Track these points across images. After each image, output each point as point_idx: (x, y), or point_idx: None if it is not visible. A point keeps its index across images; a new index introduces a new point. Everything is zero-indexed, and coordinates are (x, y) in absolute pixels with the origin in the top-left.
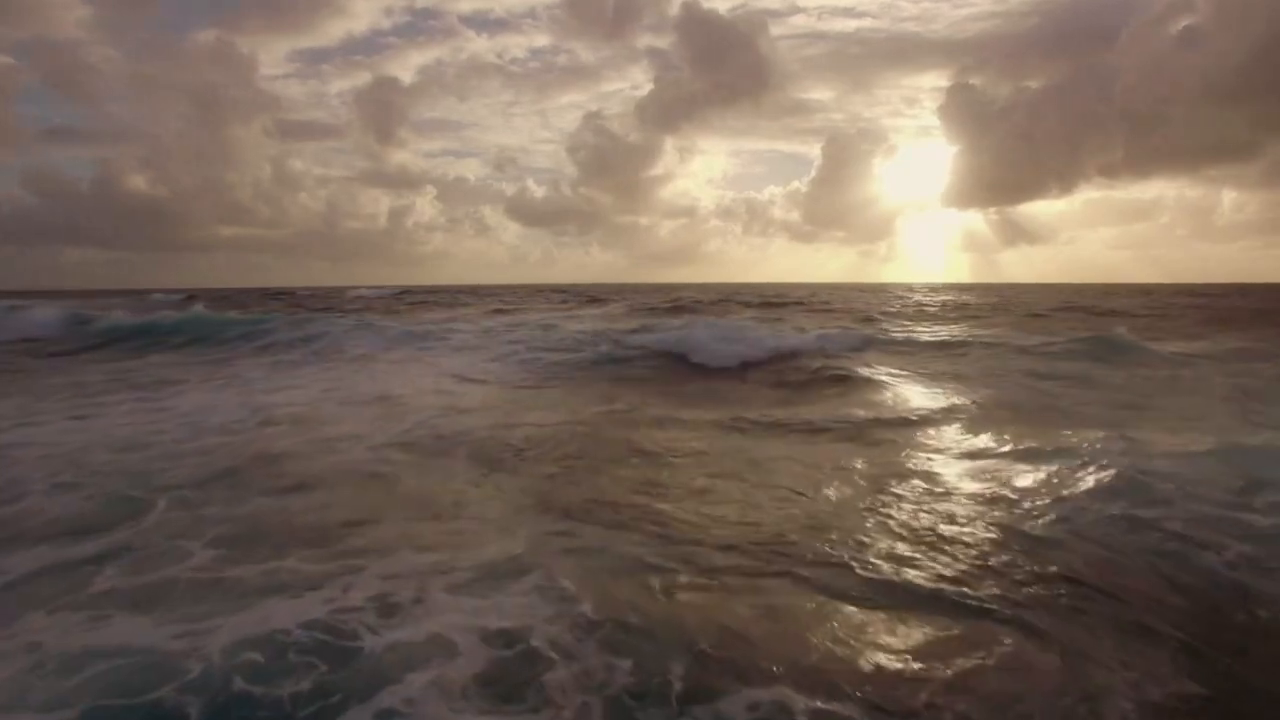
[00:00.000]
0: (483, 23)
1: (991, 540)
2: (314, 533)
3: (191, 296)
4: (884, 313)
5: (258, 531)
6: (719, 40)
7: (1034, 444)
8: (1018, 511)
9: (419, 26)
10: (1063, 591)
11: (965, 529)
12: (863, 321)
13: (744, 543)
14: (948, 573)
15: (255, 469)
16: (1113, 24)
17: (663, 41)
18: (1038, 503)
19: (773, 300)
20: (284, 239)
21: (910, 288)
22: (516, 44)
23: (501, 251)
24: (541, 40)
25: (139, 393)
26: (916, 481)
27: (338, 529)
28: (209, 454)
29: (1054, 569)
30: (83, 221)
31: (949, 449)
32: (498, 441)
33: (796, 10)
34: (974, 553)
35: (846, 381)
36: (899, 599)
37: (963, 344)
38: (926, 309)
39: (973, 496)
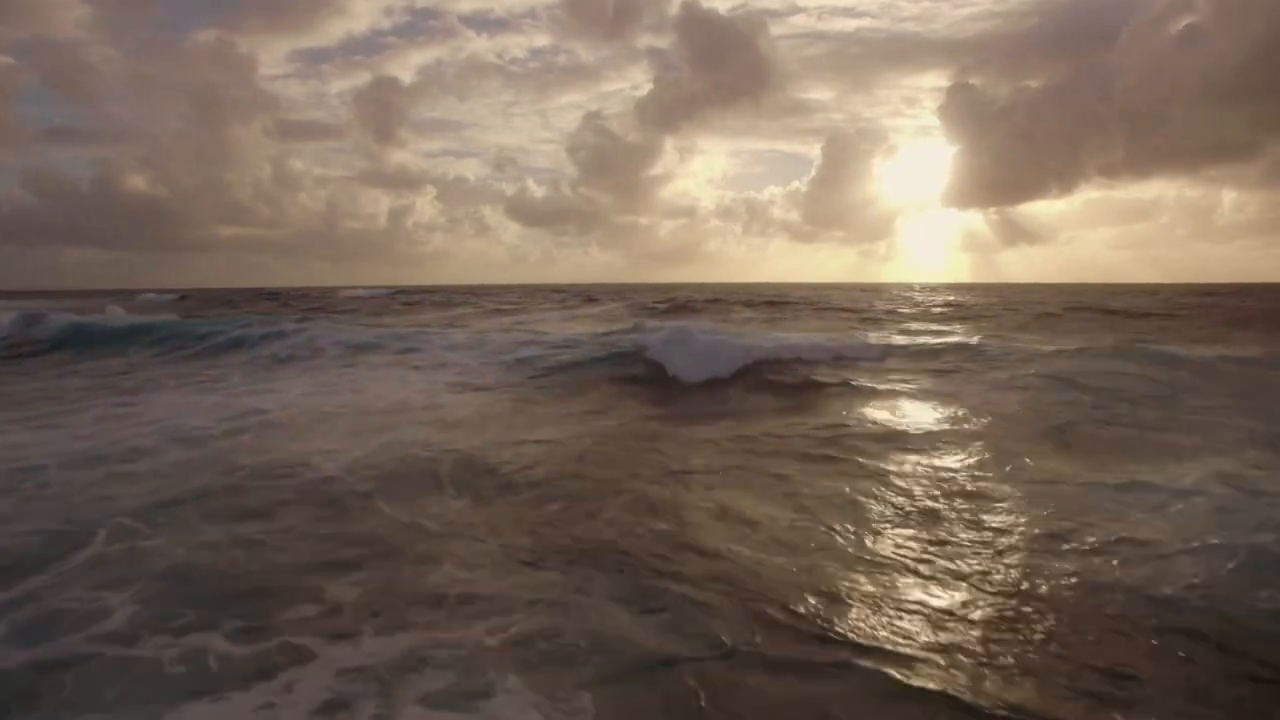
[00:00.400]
0: (483, 23)
1: (1106, 614)
2: (260, 587)
3: (184, 296)
4: (891, 314)
5: (196, 581)
6: (719, 40)
7: (1104, 475)
8: (1118, 564)
9: (419, 26)
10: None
11: (1069, 596)
12: (868, 322)
13: (790, 614)
14: (1078, 677)
15: (212, 492)
16: (1113, 24)
17: (662, 41)
18: (1140, 555)
19: (774, 300)
20: (284, 239)
21: (910, 287)
22: (516, 44)
23: (501, 251)
24: (541, 40)
25: (108, 399)
26: (980, 519)
27: (290, 583)
28: (166, 474)
29: (1234, 664)
30: (82, 221)
31: (1005, 479)
32: (481, 464)
33: (796, 10)
34: (1097, 637)
35: (867, 394)
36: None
37: (984, 349)
38: (934, 310)
39: (1054, 540)
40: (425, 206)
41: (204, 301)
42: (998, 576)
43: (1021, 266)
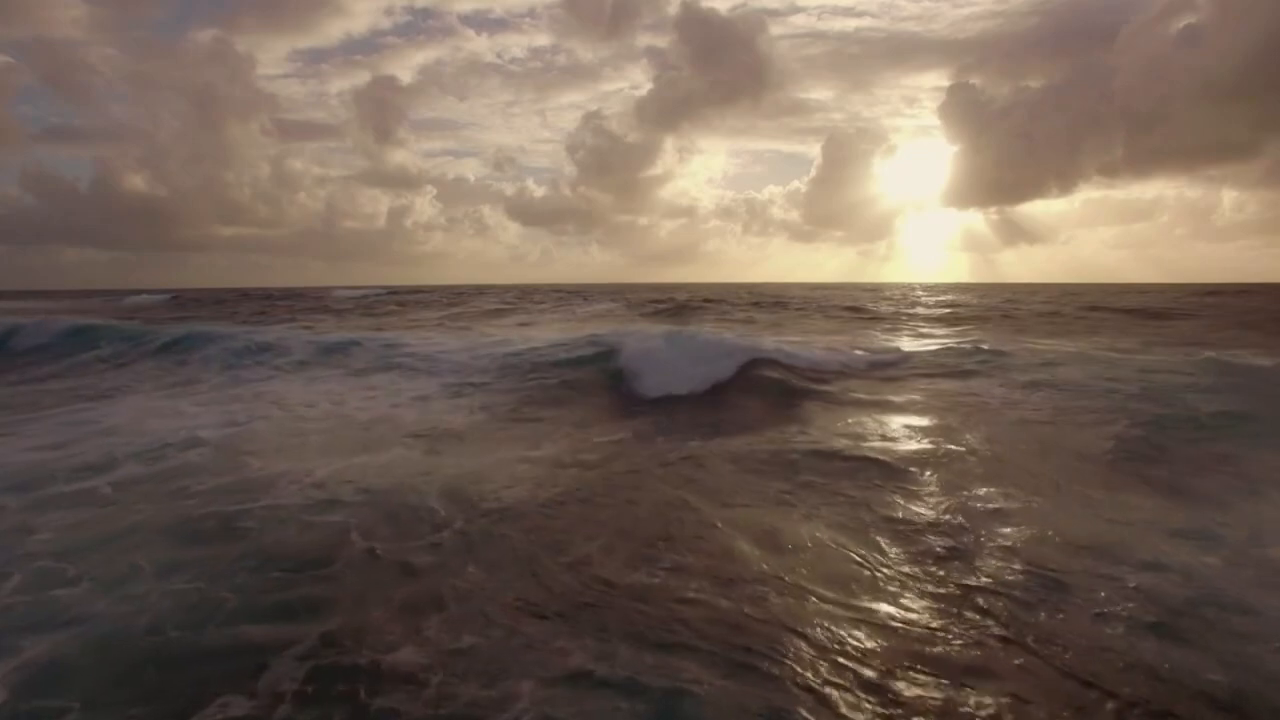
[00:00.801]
0: (482, 22)
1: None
2: (182, 661)
3: (176, 296)
4: (898, 315)
5: (103, 651)
6: (718, 40)
7: (1169, 512)
8: (1229, 645)
9: (418, 26)
10: None
11: (1190, 698)
12: (874, 323)
13: (831, 713)
14: None
15: (155, 524)
16: (1112, 24)
17: (662, 41)
18: (1247, 629)
19: (777, 301)
20: (282, 238)
21: (911, 288)
22: (516, 44)
23: (501, 251)
24: (541, 40)
25: (65, 408)
26: (1033, 569)
27: (222, 653)
28: (109, 500)
29: None
30: (81, 222)
31: (1054, 515)
32: (467, 490)
33: (796, 10)
34: None
35: (884, 407)
36: None
37: (1005, 354)
38: (941, 311)
39: (1131, 603)
40: (424, 206)
41: (195, 302)
42: (1078, 653)
43: (1021, 266)
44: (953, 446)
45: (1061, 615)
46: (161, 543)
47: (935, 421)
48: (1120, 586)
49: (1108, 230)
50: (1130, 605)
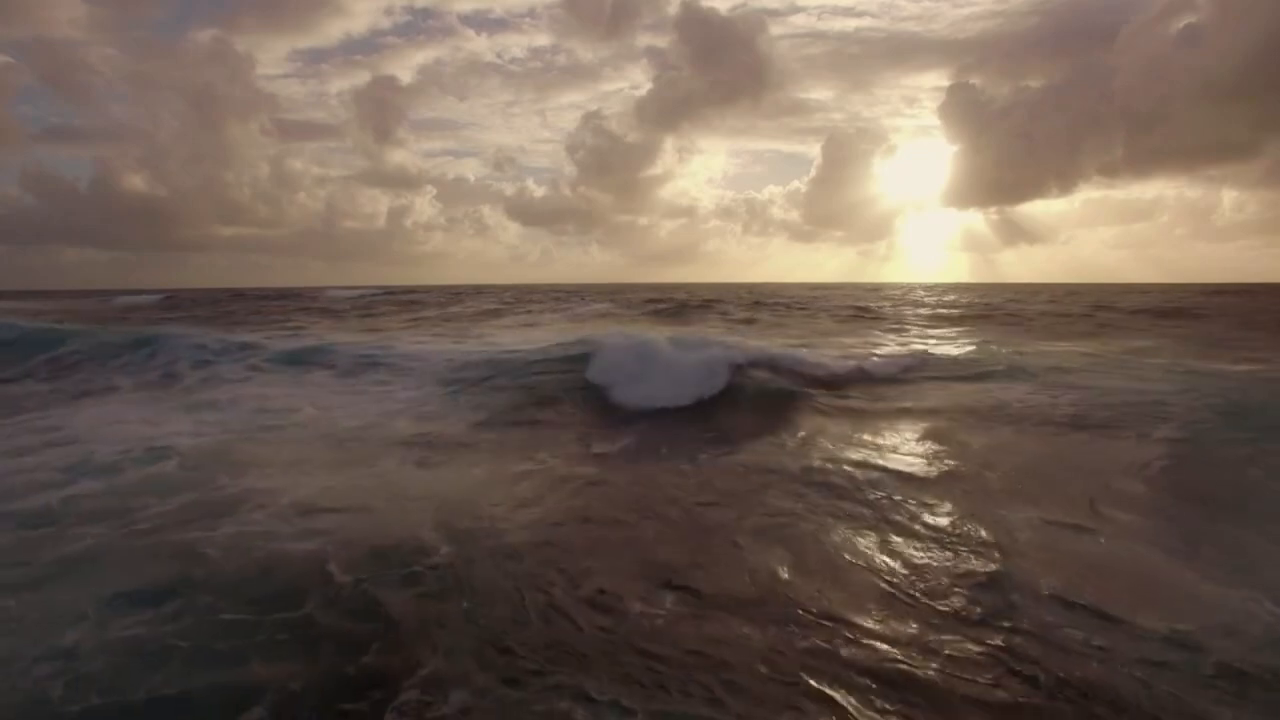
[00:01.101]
0: (482, 22)
1: None
2: None
3: (170, 296)
4: (905, 316)
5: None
6: (718, 39)
7: (1222, 557)
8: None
9: (418, 26)
10: None
11: None
12: (877, 322)
13: None
14: None
15: (104, 553)
16: (1112, 23)
17: (662, 41)
18: None
19: (779, 302)
20: (282, 239)
21: (912, 288)
22: (516, 43)
23: (500, 251)
24: (541, 40)
25: (16, 416)
26: (1083, 631)
27: None
28: (55, 518)
29: None
30: (81, 221)
31: (1101, 560)
32: (456, 516)
33: (796, 10)
34: None
35: (912, 417)
36: None
37: (1018, 358)
38: (947, 312)
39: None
40: (424, 206)
41: (189, 301)
42: (1138, 716)
43: (1021, 266)
44: (979, 461)
45: (1112, 665)
46: (107, 577)
47: (959, 433)
48: (1173, 631)
49: (1108, 230)
50: (1187, 656)
